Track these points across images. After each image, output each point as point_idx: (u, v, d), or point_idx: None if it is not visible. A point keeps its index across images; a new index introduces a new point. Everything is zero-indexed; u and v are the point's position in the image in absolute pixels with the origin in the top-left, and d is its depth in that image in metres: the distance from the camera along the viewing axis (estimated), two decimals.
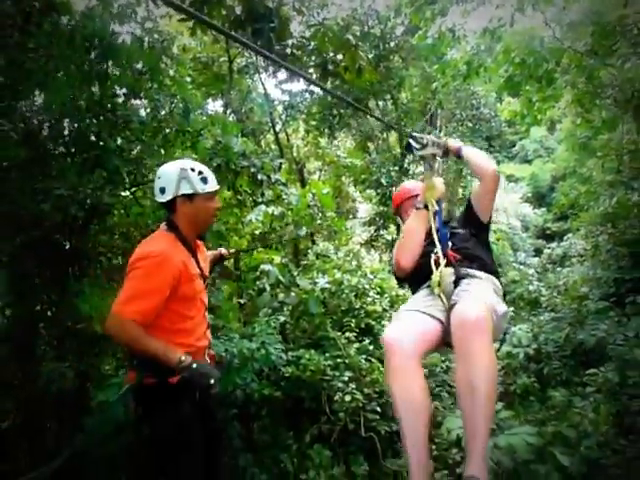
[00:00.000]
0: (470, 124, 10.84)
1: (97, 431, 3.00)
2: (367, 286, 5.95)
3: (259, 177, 4.43)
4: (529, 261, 14.26)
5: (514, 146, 26.11)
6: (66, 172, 3.83)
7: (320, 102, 9.28)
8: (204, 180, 2.16)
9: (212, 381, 2.02)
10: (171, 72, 5.23)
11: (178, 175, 2.11)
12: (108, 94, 4.24)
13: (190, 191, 2.12)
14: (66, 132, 4.34)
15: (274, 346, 4.11)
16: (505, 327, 2.23)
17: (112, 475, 3.27)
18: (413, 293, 2.46)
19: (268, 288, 4.45)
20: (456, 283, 2.20)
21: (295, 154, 10.45)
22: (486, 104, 10.84)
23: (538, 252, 15.75)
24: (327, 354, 4.77)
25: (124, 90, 4.50)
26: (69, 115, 4.10)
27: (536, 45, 6.65)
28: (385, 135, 10.07)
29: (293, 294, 4.66)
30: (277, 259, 5.22)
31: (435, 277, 2.21)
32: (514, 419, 4.07)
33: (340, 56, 5.17)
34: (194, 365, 1.98)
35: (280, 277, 4.40)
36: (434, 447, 4.36)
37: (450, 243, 2.38)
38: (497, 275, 2.40)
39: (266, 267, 4.37)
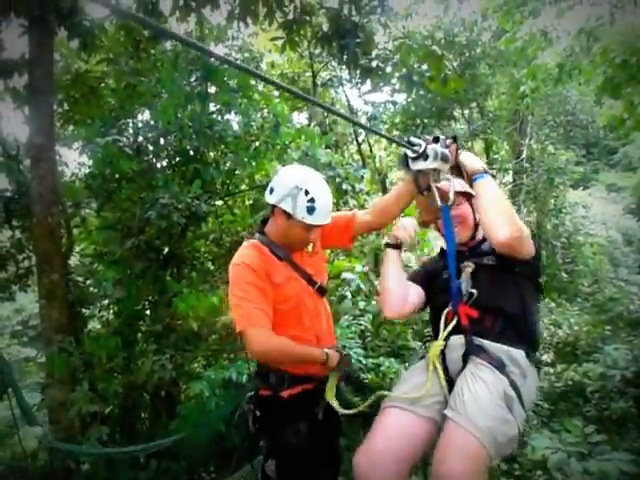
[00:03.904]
0: (563, 130, 10.28)
1: (191, 418, 3.26)
2: None
3: (344, 187, 4.59)
4: (632, 278, 13.07)
5: (616, 153, 24.14)
6: (169, 183, 4.24)
7: (403, 112, 9.31)
8: (310, 210, 1.87)
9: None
10: (260, 88, 5.57)
11: (289, 189, 1.88)
12: (206, 111, 4.62)
13: (289, 211, 1.89)
14: (169, 147, 4.80)
15: (354, 350, 4.18)
16: (514, 447, 1.65)
17: (202, 459, 3.53)
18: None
19: (349, 296, 4.56)
20: (465, 358, 1.74)
21: (378, 164, 10.53)
22: (582, 109, 10.21)
23: None
24: (407, 364, 4.76)
25: (219, 107, 4.89)
26: (172, 131, 4.53)
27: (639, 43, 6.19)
28: (470, 144, 9.84)
29: (374, 302, 4.73)
30: (358, 268, 5.32)
31: (435, 348, 1.79)
32: (607, 444, 3.80)
33: (425, 66, 5.18)
34: (344, 353, 2.01)
35: (361, 285, 4.50)
36: (517, 467, 4.19)
37: (465, 289, 1.81)
38: (531, 341, 1.83)
39: (347, 275, 4.48)
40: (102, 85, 5.65)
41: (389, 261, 2.02)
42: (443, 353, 1.82)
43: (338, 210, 4.95)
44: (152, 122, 4.79)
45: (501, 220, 1.68)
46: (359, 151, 9.58)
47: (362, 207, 4.66)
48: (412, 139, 1.85)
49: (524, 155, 9.72)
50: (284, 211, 1.91)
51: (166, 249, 4.98)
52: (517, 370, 1.69)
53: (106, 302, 5.23)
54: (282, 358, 1.94)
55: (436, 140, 1.89)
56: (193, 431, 3.36)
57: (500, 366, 1.66)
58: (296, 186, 1.88)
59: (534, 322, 1.90)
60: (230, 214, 5.14)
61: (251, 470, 2.31)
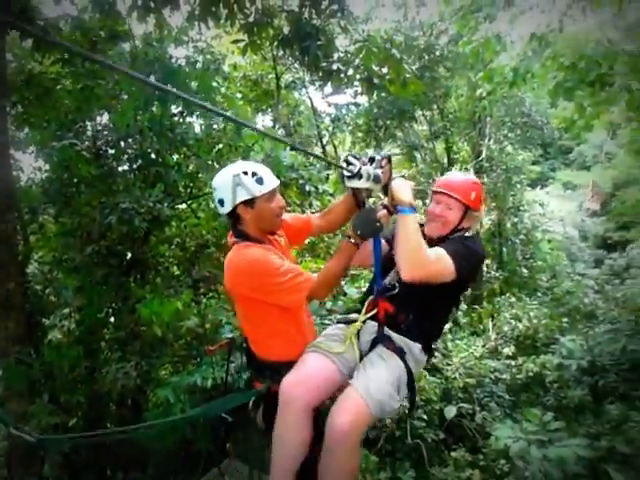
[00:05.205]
0: (520, 131, 10.62)
1: (156, 426, 3.20)
2: None
3: (307, 188, 4.61)
4: (589, 272, 13.64)
5: (571, 152, 25.11)
6: (130, 187, 4.17)
7: (366, 114, 9.42)
8: (260, 181, 2.00)
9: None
10: (223, 89, 5.53)
11: (232, 183, 1.98)
12: (166, 114, 4.56)
13: (248, 197, 1.99)
14: (129, 150, 4.71)
15: None
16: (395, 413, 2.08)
17: (170, 467, 3.48)
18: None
19: None
20: (374, 343, 2.11)
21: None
22: (538, 111, 10.58)
23: (599, 263, 15.05)
24: None
25: (180, 109, 4.83)
26: (132, 134, 4.45)
27: (588, 49, 6.48)
28: (432, 145, 10.06)
29: (341, 302, 4.77)
30: None
31: (353, 327, 2.13)
32: (566, 431, 3.96)
33: (385, 69, 5.27)
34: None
35: None
36: (481, 457, 4.32)
37: (390, 282, 2.15)
38: (429, 339, 2.19)
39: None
40: (58, 87, 5.48)
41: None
42: (358, 332, 2.16)
43: (303, 211, 5.01)
44: (111, 125, 4.69)
45: (406, 261, 1.93)
46: (323, 152, 9.63)
47: (326, 207, 4.70)
48: (349, 158, 2.00)
49: (484, 155, 9.99)
50: (245, 203, 2.00)
51: (129, 254, 4.88)
52: (412, 359, 2.08)
53: (67, 311, 5.09)
54: (337, 278, 2.13)
55: (372, 160, 2.05)
56: (159, 438, 3.32)
57: (401, 353, 2.05)
58: (233, 176, 1.98)
59: (439, 326, 2.31)
60: (194, 217, 5.09)
61: (218, 473, 2.30)
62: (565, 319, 7.27)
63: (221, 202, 2.03)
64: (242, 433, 2.29)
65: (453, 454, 4.42)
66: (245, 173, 1.99)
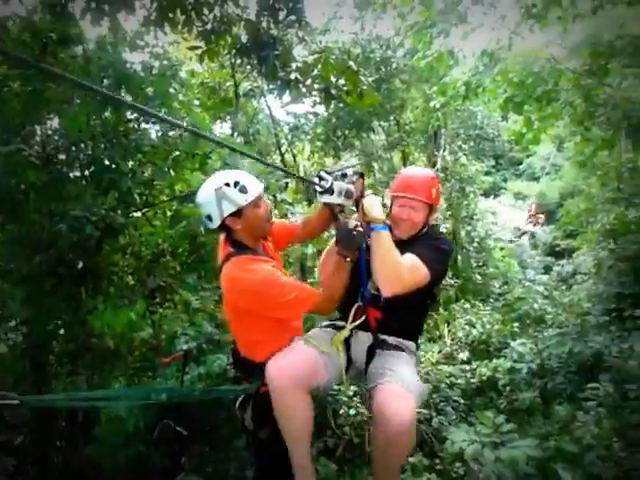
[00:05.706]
0: (474, 143, 11.02)
1: (108, 442, 3.10)
2: None
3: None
4: (538, 278, 14.21)
5: (521, 164, 26.21)
6: (81, 194, 4.03)
7: (324, 124, 9.53)
8: (243, 189, 1.96)
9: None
10: (180, 96, 5.45)
11: (216, 197, 1.94)
12: (121, 119, 4.45)
13: (234, 208, 1.96)
14: (81, 156, 4.56)
15: None
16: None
17: None
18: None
19: None
20: (371, 350, 2.17)
21: (301, 174, 10.66)
22: (489, 124, 11.03)
23: (548, 269, 15.71)
24: None
25: (135, 115, 4.73)
26: (84, 140, 4.31)
27: (535, 67, 6.83)
28: (389, 155, 10.27)
29: None
30: None
31: (341, 335, 2.14)
32: (517, 433, 4.10)
33: (342, 80, 5.35)
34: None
35: None
36: (438, 461, 4.40)
37: (372, 288, 2.17)
38: (417, 336, 2.35)
39: None
40: (5, 89, 5.25)
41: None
42: (347, 339, 2.19)
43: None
44: (62, 130, 4.53)
45: (386, 279, 2.00)
46: (282, 161, 9.65)
47: (285, 217, 4.70)
48: (322, 174, 2.05)
49: (439, 165, 10.29)
50: (232, 215, 1.98)
51: (80, 264, 4.71)
52: (413, 356, 2.21)
53: (13, 323, 4.84)
54: (340, 292, 2.12)
55: (344, 176, 2.11)
56: (111, 454, 3.21)
57: (401, 349, 2.15)
58: (215, 190, 1.94)
59: (422, 321, 2.49)
60: (149, 226, 4.97)
61: None
62: (516, 324, 7.54)
63: (209, 218, 2.00)
64: (197, 447, 2.25)
65: (411, 459, 4.47)
66: (227, 184, 1.95)
